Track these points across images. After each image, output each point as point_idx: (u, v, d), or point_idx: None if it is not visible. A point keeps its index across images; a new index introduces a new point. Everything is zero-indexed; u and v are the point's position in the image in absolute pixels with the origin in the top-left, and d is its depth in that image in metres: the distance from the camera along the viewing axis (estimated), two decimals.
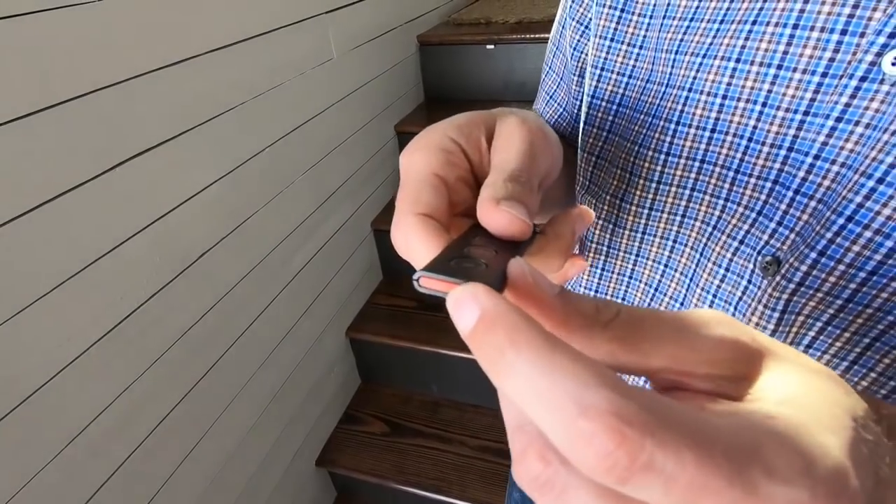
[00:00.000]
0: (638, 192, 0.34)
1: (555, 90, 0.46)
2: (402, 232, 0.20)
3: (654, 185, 0.34)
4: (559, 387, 0.11)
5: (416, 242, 0.20)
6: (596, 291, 0.40)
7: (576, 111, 0.44)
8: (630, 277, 0.37)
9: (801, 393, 0.13)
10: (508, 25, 1.67)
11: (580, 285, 0.42)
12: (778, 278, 0.28)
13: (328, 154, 1.23)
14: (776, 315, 0.29)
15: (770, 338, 0.16)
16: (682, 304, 0.35)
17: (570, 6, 0.41)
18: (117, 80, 0.72)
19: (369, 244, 1.50)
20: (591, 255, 0.39)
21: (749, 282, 0.30)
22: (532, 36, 1.58)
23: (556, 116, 0.46)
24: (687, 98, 0.31)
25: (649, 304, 0.37)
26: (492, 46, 1.60)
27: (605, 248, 0.38)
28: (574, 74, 0.42)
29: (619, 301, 0.38)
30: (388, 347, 1.40)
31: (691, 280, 0.34)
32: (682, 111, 0.31)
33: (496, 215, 0.19)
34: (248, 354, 1.04)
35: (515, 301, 0.14)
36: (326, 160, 1.23)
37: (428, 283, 0.16)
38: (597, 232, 0.38)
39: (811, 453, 0.11)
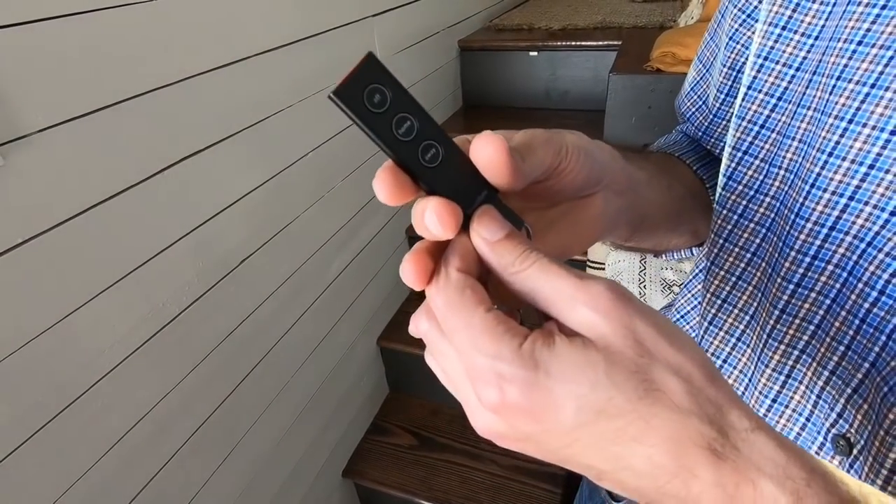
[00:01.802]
0: (796, 196, 0.30)
1: (697, 81, 0.44)
2: None
3: (801, 224, 0.30)
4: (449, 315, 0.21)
5: None
6: (700, 340, 0.36)
7: (718, 105, 0.41)
8: (738, 340, 0.34)
9: (561, 349, 0.19)
10: (551, 32, 1.64)
11: (692, 319, 0.38)
12: None
13: (367, 160, 1.21)
14: None
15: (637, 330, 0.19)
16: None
17: None
18: (166, 83, 0.70)
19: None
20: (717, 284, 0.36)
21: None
22: (576, 43, 1.54)
23: (693, 109, 0.45)
24: (846, 129, 0.27)
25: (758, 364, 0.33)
26: (535, 53, 1.57)
27: (725, 290, 0.35)
28: (724, 66, 0.39)
29: (723, 361, 0.35)
30: (419, 357, 1.36)
31: (819, 327, 0.30)
32: (837, 142, 0.27)
33: (483, 135, 0.22)
34: (283, 361, 1.02)
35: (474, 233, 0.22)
36: (365, 166, 1.20)
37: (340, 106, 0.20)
38: (721, 271, 0.35)
39: (502, 348, 0.19)
